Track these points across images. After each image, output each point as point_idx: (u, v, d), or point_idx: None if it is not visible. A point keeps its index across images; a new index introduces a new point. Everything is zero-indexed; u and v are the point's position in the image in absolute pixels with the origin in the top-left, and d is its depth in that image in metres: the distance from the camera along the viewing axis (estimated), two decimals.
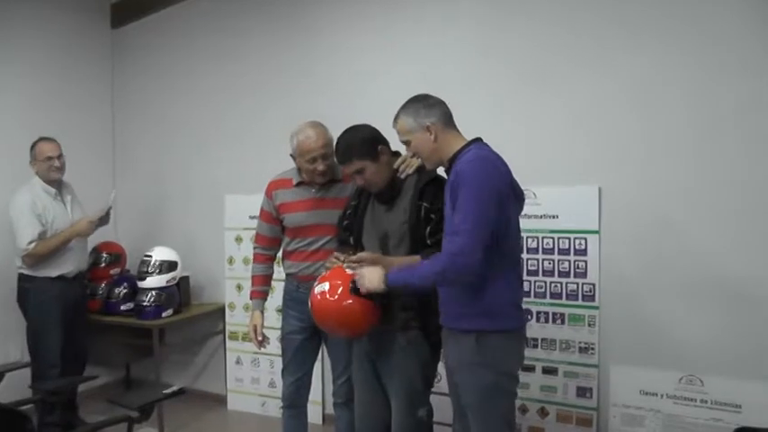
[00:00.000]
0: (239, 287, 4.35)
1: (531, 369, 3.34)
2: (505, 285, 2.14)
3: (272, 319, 3.54)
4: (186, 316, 4.27)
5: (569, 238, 3.25)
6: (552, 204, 3.29)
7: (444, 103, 2.24)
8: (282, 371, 3.04)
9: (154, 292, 4.07)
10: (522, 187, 2.28)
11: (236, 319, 4.39)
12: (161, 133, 4.83)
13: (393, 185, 2.44)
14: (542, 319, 3.33)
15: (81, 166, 4.24)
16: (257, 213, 3.06)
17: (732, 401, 2.90)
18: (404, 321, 2.37)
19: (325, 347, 3.06)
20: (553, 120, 3.29)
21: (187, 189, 4.68)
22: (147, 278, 4.09)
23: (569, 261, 3.26)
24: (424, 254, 2.26)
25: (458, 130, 2.25)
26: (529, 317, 3.31)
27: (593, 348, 3.22)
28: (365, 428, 2.61)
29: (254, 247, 3.07)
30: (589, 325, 3.23)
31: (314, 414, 3.70)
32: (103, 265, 4.37)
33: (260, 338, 2.95)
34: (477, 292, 2.10)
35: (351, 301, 2.24)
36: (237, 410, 4.39)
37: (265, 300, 3.03)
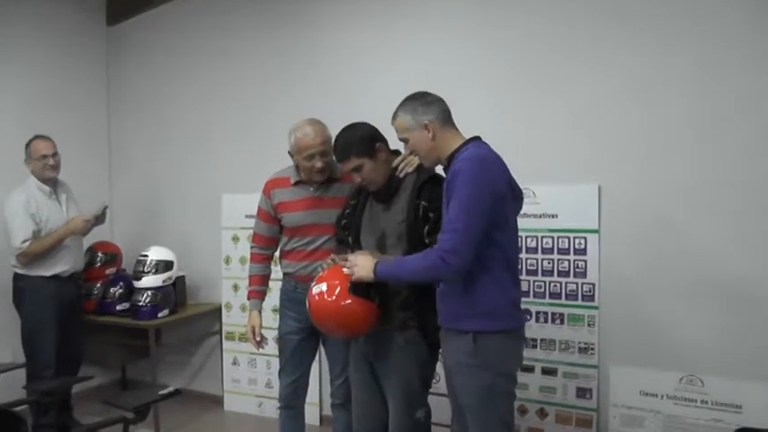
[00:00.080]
0: (236, 287, 4.35)
1: (530, 370, 3.34)
2: (503, 285, 2.14)
3: (269, 320, 3.54)
4: (182, 316, 4.27)
5: (569, 238, 3.25)
6: (551, 203, 3.29)
7: (443, 101, 2.24)
8: (280, 372, 3.03)
9: (150, 292, 4.07)
10: (522, 186, 2.29)
11: (233, 320, 4.39)
12: (157, 132, 4.82)
13: (391, 184, 2.44)
14: (541, 320, 3.33)
15: (76, 165, 4.24)
16: (254, 212, 3.05)
17: (733, 402, 2.90)
18: (402, 321, 2.37)
19: (322, 348, 3.05)
20: (553, 118, 3.29)
21: (183, 188, 4.68)
22: (143, 278, 4.08)
23: (569, 260, 3.26)
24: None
25: (456, 128, 2.24)
26: (528, 317, 3.31)
27: (592, 349, 3.22)
28: (363, 429, 2.60)
29: (252, 247, 3.06)
30: (589, 325, 3.23)
31: (311, 415, 3.69)
32: (99, 264, 4.36)
33: (258, 339, 2.95)
34: (474, 292, 2.10)
35: (349, 301, 2.24)
36: (234, 411, 4.38)
37: (263, 300, 3.03)
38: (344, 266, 2.27)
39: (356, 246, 2.49)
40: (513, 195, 2.19)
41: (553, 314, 3.30)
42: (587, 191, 3.19)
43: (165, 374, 4.56)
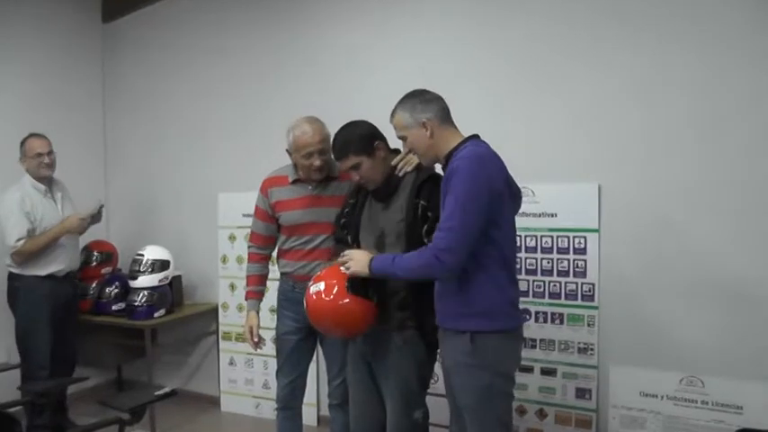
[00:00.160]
0: (233, 287, 4.35)
1: (529, 370, 3.34)
2: (500, 284, 2.14)
3: (267, 320, 3.54)
4: (179, 316, 4.27)
5: (568, 237, 3.26)
6: (551, 202, 3.29)
7: (442, 99, 2.24)
8: (277, 372, 3.03)
9: (146, 292, 4.07)
10: (521, 185, 2.29)
11: (230, 320, 4.39)
12: (153, 129, 4.82)
13: (390, 183, 2.44)
14: (541, 320, 3.33)
15: (72, 163, 4.24)
16: (251, 211, 3.05)
17: (733, 403, 2.90)
18: (400, 321, 2.38)
19: (320, 348, 3.05)
20: (552, 117, 3.29)
21: (180, 186, 4.68)
22: (139, 277, 4.08)
23: (568, 260, 3.26)
24: None
25: (455, 127, 2.25)
26: (527, 317, 3.31)
27: (592, 349, 3.23)
28: (360, 429, 2.60)
29: (249, 246, 3.06)
30: (588, 325, 3.23)
31: (309, 416, 3.69)
32: (94, 264, 4.37)
33: (256, 340, 2.94)
34: (471, 291, 2.11)
35: (347, 301, 2.25)
36: (231, 412, 4.38)
37: (261, 300, 3.03)
38: (342, 265, 2.27)
39: (355, 245, 2.49)
40: (511, 194, 2.20)
41: (552, 314, 3.30)
42: (587, 190, 3.19)
43: (161, 375, 4.55)
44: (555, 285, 3.30)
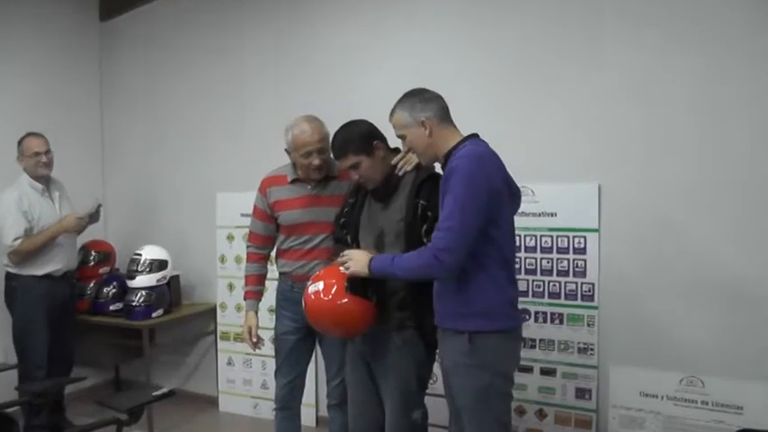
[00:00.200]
0: (231, 286, 4.35)
1: (528, 370, 3.35)
2: (499, 284, 2.14)
3: (265, 320, 3.53)
4: (177, 316, 4.26)
5: (568, 237, 3.26)
6: (551, 202, 3.29)
7: (441, 98, 2.24)
8: (275, 372, 3.03)
9: (144, 292, 4.06)
10: (520, 184, 2.30)
11: (228, 320, 4.38)
12: (151, 129, 4.82)
13: (390, 182, 2.45)
14: (540, 320, 3.33)
15: (69, 162, 4.23)
16: (249, 211, 3.05)
17: (734, 403, 2.90)
18: (399, 321, 2.38)
19: (319, 348, 3.05)
20: (552, 116, 3.29)
21: (178, 186, 4.68)
22: (137, 277, 4.08)
23: (568, 260, 3.26)
24: None
25: (454, 126, 2.25)
26: (527, 317, 3.32)
27: (592, 349, 3.23)
28: (359, 430, 2.61)
29: (248, 246, 3.06)
30: (588, 325, 3.23)
31: (307, 416, 3.69)
32: (92, 263, 4.36)
33: (255, 340, 2.94)
34: (470, 291, 2.11)
35: (346, 300, 2.25)
36: (229, 412, 4.38)
37: (260, 300, 3.03)
38: (341, 265, 2.28)
39: (354, 245, 2.49)
40: (510, 193, 2.20)
41: (552, 314, 3.31)
42: (587, 190, 3.19)
43: (159, 375, 4.54)
44: (554, 285, 3.30)
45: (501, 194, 2.10)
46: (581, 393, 3.27)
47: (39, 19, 4.56)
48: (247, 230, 3.10)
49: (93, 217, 3.88)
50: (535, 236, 3.33)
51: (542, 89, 3.30)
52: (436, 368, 2.45)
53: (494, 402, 2.16)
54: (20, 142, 3.76)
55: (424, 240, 2.27)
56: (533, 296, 3.34)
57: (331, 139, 2.51)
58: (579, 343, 3.25)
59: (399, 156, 2.46)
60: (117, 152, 5.02)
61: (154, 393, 2.88)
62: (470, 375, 2.13)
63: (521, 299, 2.35)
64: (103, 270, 4.40)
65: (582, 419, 3.27)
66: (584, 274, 3.22)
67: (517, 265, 3.21)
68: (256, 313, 2.98)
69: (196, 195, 4.55)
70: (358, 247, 2.46)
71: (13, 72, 4.40)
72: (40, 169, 3.74)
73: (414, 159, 2.41)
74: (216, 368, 4.47)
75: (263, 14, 4.22)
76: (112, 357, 4.78)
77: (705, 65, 2.94)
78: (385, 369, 2.45)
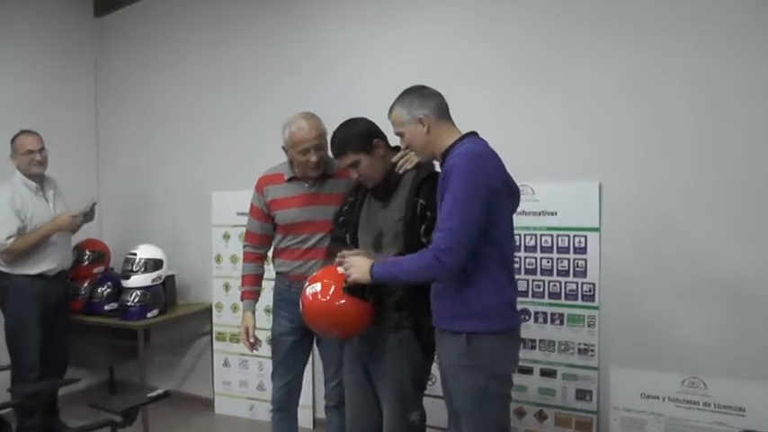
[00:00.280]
0: (227, 286, 4.34)
1: (528, 371, 3.35)
2: (499, 284, 2.14)
3: (262, 320, 3.52)
4: (172, 316, 4.26)
5: (568, 236, 3.25)
6: (551, 201, 3.29)
7: (440, 95, 2.24)
8: (272, 373, 3.03)
9: (138, 292, 4.06)
10: (520, 183, 2.30)
11: (224, 320, 4.38)
12: (146, 126, 4.81)
13: (390, 181, 2.45)
14: (540, 320, 3.33)
15: (63, 160, 4.23)
16: (246, 210, 3.05)
17: (736, 404, 2.90)
18: (396, 321, 2.37)
19: (316, 349, 3.05)
20: (552, 114, 3.29)
21: (173, 184, 4.67)
22: (132, 277, 4.07)
23: (568, 259, 3.26)
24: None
25: (453, 123, 2.25)
26: (526, 317, 3.31)
27: (592, 350, 3.23)
28: (356, 431, 2.61)
29: (244, 246, 3.05)
30: (589, 326, 3.23)
31: (304, 418, 3.69)
32: (86, 263, 4.36)
33: (252, 341, 2.94)
34: (468, 292, 2.11)
35: (343, 301, 2.24)
36: (225, 414, 4.38)
37: (257, 300, 3.02)
38: (340, 265, 2.27)
39: (353, 243, 2.50)
40: (510, 192, 2.20)
41: (552, 314, 3.31)
42: (588, 188, 3.19)
43: (153, 376, 4.54)
44: (555, 285, 3.30)
45: (500, 193, 2.10)
46: (581, 395, 3.27)
47: (32, 15, 4.55)
48: (244, 229, 3.10)
49: (88, 216, 3.88)
50: (535, 235, 3.33)
51: (546, 86, 3.30)
52: (435, 369, 2.45)
53: (492, 404, 2.16)
54: (13, 140, 3.75)
55: (423, 240, 2.28)
56: (533, 296, 3.34)
57: (330, 137, 2.51)
58: (580, 344, 3.25)
59: (400, 154, 2.46)
60: (111, 150, 5.01)
61: (149, 395, 2.88)
62: (467, 377, 2.13)
63: (520, 299, 2.35)
64: (98, 270, 4.40)
65: (582, 421, 3.27)
66: (584, 273, 3.22)
67: (517, 265, 3.22)
68: (253, 313, 2.98)
69: (192, 194, 4.54)
70: (356, 246, 2.46)
71: (5, 69, 4.40)
72: (34, 167, 3.73)
73: (414, 158, 2.41)
74: (212, 369, 4.46)
75: (262, 8, 4.21)
76: (107, 358, 4.78)
77: (706, 64, 2.94)
78: (382, 370, 2.44)
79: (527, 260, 3.34)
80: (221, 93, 4.41)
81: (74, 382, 3.58)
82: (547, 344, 3.33)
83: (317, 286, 2.29)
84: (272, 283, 3.04)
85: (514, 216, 2.27)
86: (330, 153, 2.59)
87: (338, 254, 2.33)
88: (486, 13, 3.46)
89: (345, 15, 3.92)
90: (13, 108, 4.32)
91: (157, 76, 4.73)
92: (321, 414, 3.33)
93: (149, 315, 4.07)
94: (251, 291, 3.00)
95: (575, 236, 3.24)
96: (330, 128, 2.53)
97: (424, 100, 2.20)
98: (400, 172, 2.44)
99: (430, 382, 2.56)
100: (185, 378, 4.69)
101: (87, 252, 4.38)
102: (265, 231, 2.98)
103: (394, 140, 2.41)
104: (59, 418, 3.97)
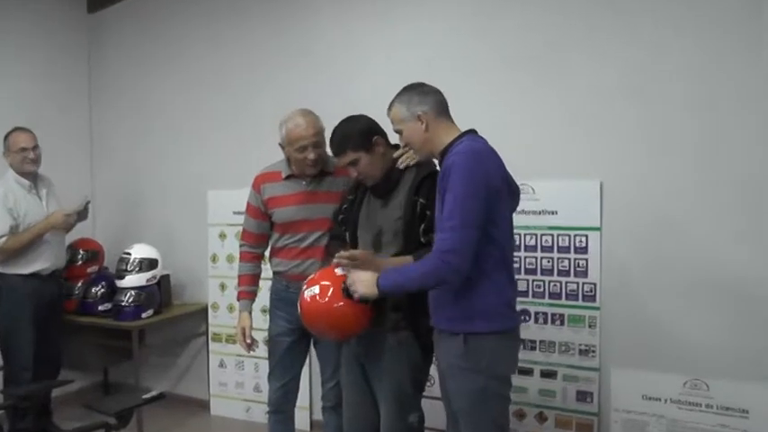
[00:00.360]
0: (223, 286, 4.34)
1: (528, 372, 3.35)
2: (496, 284, 2.13)
3: (259, 321, 3.52)
4: (167, 317, 4.26)
5: (569, 236, 3.25)
6: (551, 200, 3.29)
7: (439, 93, 2.24)
8: (269, 374, 3.03)
9: (133, 292, 4.05)
10: (520, 182, 2.30)
11: (220, 320, 4.38)
12: (140, 123, 4.81)
13: (390, 179, 2.45)
14: (541, 320, 3.33)
15: (57, 158, 4.22)
16: (242, 208, 3.05)
17: (739, 406, 2.90)
18: (394, 322, 2.38)
19: (313, 350, 3.04)
20: (551, 111, 3.29)
21: (168, 182, 4.67)
22: (126, 277, 4.07)
23: (569, 259, 3.26)
24: (416, 255, 2.27)
25: (452, 121, 2.25)
26: (526, 318, 3.32)
27: (593, 351, 3.23)
28: None
29: (241, 245, 3.05)
30: (590, 326, 3.23)
31: (301, 420, 3.69)
32: (80, 262, 4.34)
33: (249, 341, 2.93)
34: (466, 292, 2.10)
35: (342, 303, 2.24)
36: (221, 416, 4.37)
37: (253, 300, 3.02)
38: (337, 266, 2.27)
39: (352, 242, 2.50)
40: (510, 191, 2.20)
41: (553, 315, 3.31)
42: (589, 187, 3.19)
43: (148, 378, 4.54)
44: (555, 285, 3.30)
45: (500, 192, 2.10)
46: (582, 396, 3.27)
47: (25, 11, 4.55)
48: (240, 229, 3.10)
49: (82, 214, 3.87)
50: (535, 234, 3.33)
51: (542, 82, 3.30)
52: (433, 370, 2.45)
53: (490, 406, 2.16)
54: (6, 137, 3.75)
55: (422, 240, 2.29)
56: (533, 296, 3.34)
57: (330, 134, 2.51)
58: (580, 344, 3.25)
59: (400, 151, 2.46)
60: (106, 147, 5.01)
61: (143, 396, 2.88)
62: (465, 378, 2.13)
63: (520, 299, 2.34)
64: (92, 269, 4.39)
65: (583, 423, 3.27)
66: (585, 273, 3.22)
67: (517, 265, 3.22)
68: (250, 314, 2.98)
69: (187, 192, 4.54)
70: (356, 244, 2.46)
71: None
72: (27, 165, 3.73)
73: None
74: (207, 370, 4.46)
75: (258, 2, 4.21)
76: (101, 359, 4.77)
77: (703, 60, 2.94)
78: (380, 371, 2.45)
79: (527, 260, 3.35)
80: (217, 89, 4.40)
81: (67, 383, 3.58)
82: (547, 345, 3.33)
83: (316, 289, 2.29)
84: (269, 282, 3.04)
85: (514, 215, 2.27)
86: (329, 151, 2.59)
87: (336, 255, 2.33)
88: (482, 10, 3.46)
89: (348, 10, 3.90)
90: (6, 105, 4.30)
91: (152, 72, 4.72)
92: (318, 415, 3.33)
93: (144, 315, 4.07)
94: (248, 291, 3.00)
95: (575, 235, 3.24)
96: (328, 124, 2.52)
97: (424, 97, 2.20)
98: (401, 167, 2.44)
99: (428, 384, 2.56)
100: (180, 379, 4.69)
101: (81, 251, 4.37)
102: (262, 230, 2.98)
103: (394, 138, 2.41)
104: (52, 420, 3.97)
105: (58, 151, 4.34)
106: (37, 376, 3.65)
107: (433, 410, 2.64)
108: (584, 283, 3.23)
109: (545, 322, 3.33)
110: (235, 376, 4.34)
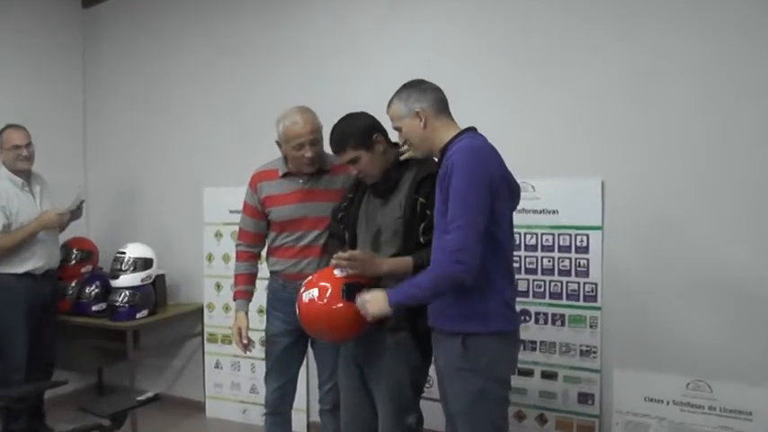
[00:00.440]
0: (219, 286, 4.34)
1: (529, 373, 3.35)
2: (496, 284, 2.14)
3: (255, 321, 3.52)
4: (162, 317, 4.26)
5: (570, 235, 3.26)
6: (552, 198, 3.29)
7: (439, 90, 2.25)
8: (265, 376, 3.03)
9: (127, 292, 4.05)
10: (520, 180, 2.30)
11: (216, 321, 4.38)
12: (135, 120, 4.80)
13: (389, 178, 2.45)
14: (541, 321, 3.33)
15: (50, 155, 4.22)
16: (239, 207, 3.05)
17: (742, 408, 2.91)
18: (392, 323, 2.37)
19: (310, 351, 3.04)
20: (552, 109, 3.29)
21: (163, 180, 4.67)
22: (121, 276, 4.06)
23: (570, 259, 3.26)
24: (416, 255, 2.28)
25: (452, 118, 2.26)
26: (526, 318, 3.32)
27: (595, 352, 3.23)
28: None
29: (237, 244, 3.05)
30: (591, 327, 3.23)
31: (298, 422, 3.69)
32: (74, 262, 4.35)
33: (245, 342, 2.93)
34: (465, 292, 2.10)
35: (341, 305, 2.25)
36: (217, 418, 4.37)
37: (250, 300, 3.02)
38: (335, 267, 2.27)
39: (351, 240, 2.51)
40: (510, 190, 2.20)
41: (553, 315, 3.31)
42: (590, 186, 3.19)
43: (143, 379, 4.54)
44: (556, 285, 3.30)
45: (500, 191, 2.10)
46: (583, 398, 3.27)
47: (18, 6, 4.55)
48: (236, 228, 3.09)
49: (75, 213, 3.87)
50: (536, 234, 3.33)
51: (544, 81, 3.30)
52: (432, 371, 2.45)
53: (489, 407, 2.16)
54: None
55: (421, 240, 2.30)
56: (534, 296, 3.34)
57: (330, 132, 2.50)
58: (582, 345, 3.25)
59: (403, 148, 2.45)
60: (100, 145, 5.01)
61: (138, 398, 2.88)
62: (464, 379, 2.13)
63: (521, 299, 2.34)
64: (86, 269, 4.39)
65: (584, 425, 3.27)
66: (586, 273, 3.23)
67: (517, 265, 3.22)
68: (246, 314, 2.97)
69: (183, 190, 4.54)
70: (354, 243, 2.47)
71: None
72: (20, 163, 3.73)
73: None
74: (203, 371, 4.46)
75: None
76: (95, 360, 4.76)
77: (707, 59, 2.94)
78: (378, 373, 2.45)
79: (527, 259, 3.35)
80: (213, 84, 4.40)
81: (61, 384, 3.57)
82: (548, 345, 3.33)
83: (314, 291, 2.30)
84: (266, 282, 3.04)
85: (514, 214, 2.27)
86: (326, 148, 2.58)
87: (334, 256, 2.33)
88: (484, 9, 3.46)
89: (349, 4, 3.90)
90: None
91: (147, 68, 4.71)
92: (315, 418, 3.33)
93: (139, 316, 4.06)
94: (244, 290, 3.00)
95: (576, 234, 3.24)
96: (331, 122, 2.51)
97: (422, 94, 2.20)
98: (402, 158, 2.43)
99: (427, 385, 2.56)
100: (175, 380, 4.69)
101: (75, 251, 4.37)
102: (259, 229, 2.98)
103: (395, 136, 2.41)
104: (45, 422, 3.97)
105: (52, 148, 4.33)
106: (30, 377, 3.65)
107: (432, 412, 2.64)
108: (585, 283, 3.23)
109: (545, 323, 3.33)
110: (231, 377, 4.34)
